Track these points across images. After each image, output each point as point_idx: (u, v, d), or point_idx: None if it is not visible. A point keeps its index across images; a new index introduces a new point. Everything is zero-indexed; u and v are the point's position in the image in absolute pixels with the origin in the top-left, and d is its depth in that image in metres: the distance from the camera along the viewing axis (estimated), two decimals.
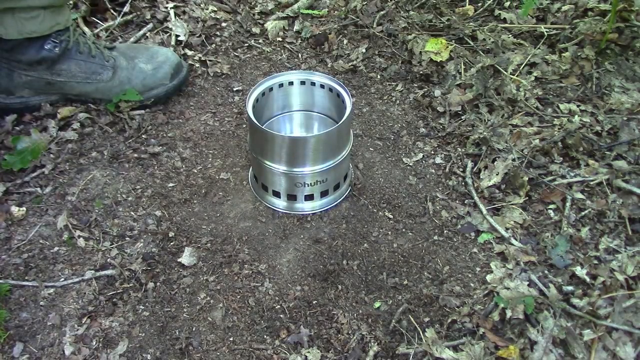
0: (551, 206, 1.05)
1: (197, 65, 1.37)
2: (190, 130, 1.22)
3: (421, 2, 1.53)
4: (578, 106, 1.23)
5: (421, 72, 1.33)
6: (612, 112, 1.22)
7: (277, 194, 1.04)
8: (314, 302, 0.92)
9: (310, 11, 1.53)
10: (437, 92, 1.29)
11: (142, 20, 1.49)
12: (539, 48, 1.37)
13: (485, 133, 1.16)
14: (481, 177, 1.10)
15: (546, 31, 1.41)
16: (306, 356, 0.85)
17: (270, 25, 1.48)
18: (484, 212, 1.04)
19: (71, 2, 1.48)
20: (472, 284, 0.95)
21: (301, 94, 1.12)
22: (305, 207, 1.05)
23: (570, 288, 0.92)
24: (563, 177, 1.09)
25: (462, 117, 1.23)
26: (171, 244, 1.00)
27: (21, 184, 1.08)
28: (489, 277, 0.94)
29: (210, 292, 0.93)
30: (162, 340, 0.87)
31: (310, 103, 1.14)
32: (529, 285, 0.92)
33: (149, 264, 0.96)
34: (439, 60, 1.33)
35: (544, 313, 0.88)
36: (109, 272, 0.95)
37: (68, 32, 1.15)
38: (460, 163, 1.15)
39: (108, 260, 0.97)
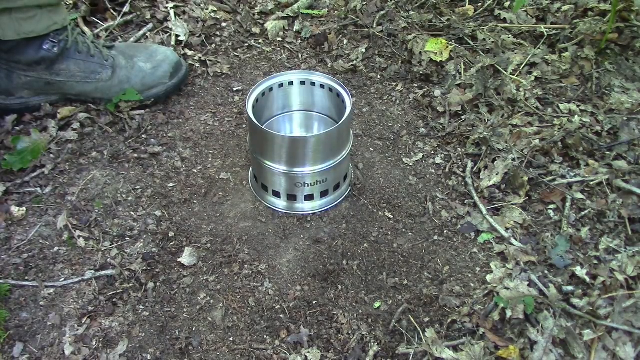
0: (551, 206, 1.05)
1: (197, 65, 1.37)
2: (190, 130, 1.22)
3: (421, 2, 1.53)
4: (578, 106, 1.23)
5: (421, 72, 1.33)
6: (612, 112, 1.22)
7: (277, 194, 1.04)
8: (314, 302, 0.92)
9: (310, 11, 1.53)
10: (437, 92, 1.29)
11: (142, 20, 1.49)
12: (539, 48, 1.37)
13: (485, 133, 1.16)
14: (481, 177, 1.10)
15: (546, 31, 1.41)
16: (306, 356, 0.85)
17: (270, 25, 1.48)
18: (484, 212, 1.04)
19: (70, 1, 1.48)
20: (472, 284, 0.95)
21: (301, 94, 1.12)
22: (305, 207, 1.05)
23: (570, 288, 0.92)
24: (563, 177, 1.09)
25: (462, 117, 1.23)
26: (171, 244, 1.00)
27: (21, 184, 1.08)
28: (489, 277, 0.94)
29: (210, 292, 0.93)
30: (162, 340, 0.87)
31: (310, 103, 1.14)
32: (529, 285, 0.92)
33: (149, 264, 0.96)
34: (439, 60, 1.33)
35: (544, 313, 0.88)
36: (109, 272, 0.95)
37: (66, 31, 1.15)
38: (460, 163, 1.15)
39: (108, 260, 0.97)
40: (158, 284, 0.94)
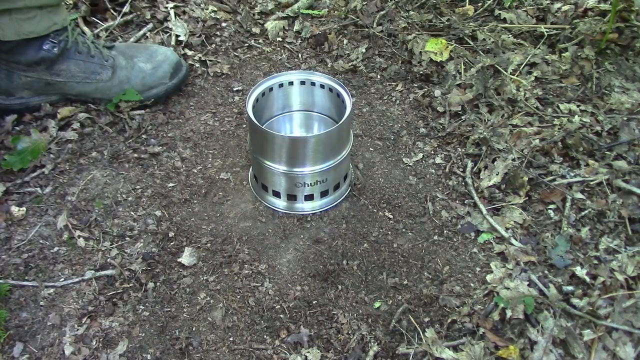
0: (551, 206, 1.05)
1: (197, 65, 1.37)
2: (190, 130, 1.22)
3: (421, 2, 1.53)
4: (578, 106, 1.23)
5: (421, 72, 1.33)
6: (612, 112, 1.22)
7: (277, 194, 1.04)
8: (314, 302, 0.92)
9: (310, 11, 1.53)
10: (437, 92, 1.29)
11: (142, 20, 1.49)
12: (539, 48, 1.37)
13: (485, 133, 1.16)
14: (481, 177, 1.10)
15: (546, 31, 1.41)
16: (306, 356, 0.85)
17: (270, 25, 1.48)
18: (484, 212, 1.04)
19: (70, 1, 1.48)
20: (472, 284, 0.95)
21: (301, 94, 1.12)
22: (305, 207, 1.05)
23: (570, 288, 0.92)
24: (563, 177, 1.09)
25: (462, 117, 1.23)
26: (171, 244, 1.00)
27: (21, 184, 1.08)
28: (489, 277, 0.94)
29: (210, 292, 0.93)
30: (162, 340, 0.87)
31: (310, 103, 1.14)
32: (529, 285, 0.92)
33: (149, 264, 0.96)
34: (439, 60, 1.33)
35: (544, 313, 0.88)
36: (109, 272, 0.95)
37: (66, 32, 1.15)
38: (460, 163, 1.15)
39: (108, 260, 0.97)
40: (158, 284, 0.94)
